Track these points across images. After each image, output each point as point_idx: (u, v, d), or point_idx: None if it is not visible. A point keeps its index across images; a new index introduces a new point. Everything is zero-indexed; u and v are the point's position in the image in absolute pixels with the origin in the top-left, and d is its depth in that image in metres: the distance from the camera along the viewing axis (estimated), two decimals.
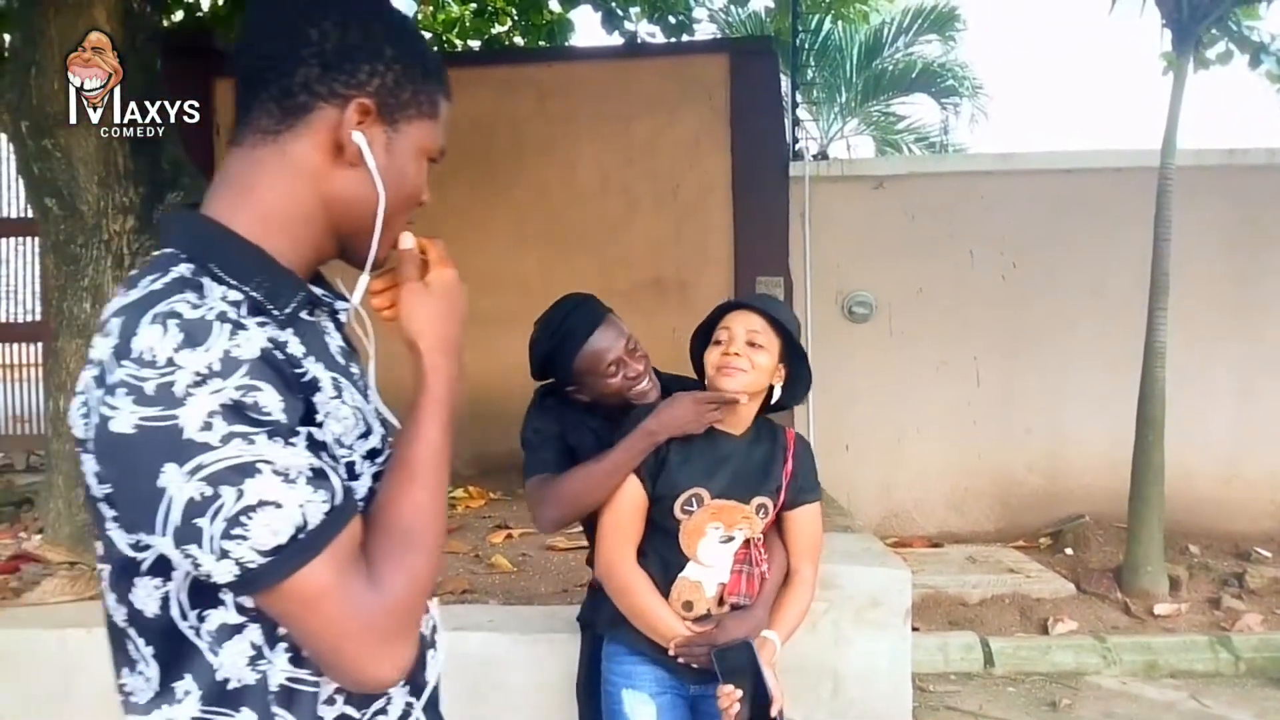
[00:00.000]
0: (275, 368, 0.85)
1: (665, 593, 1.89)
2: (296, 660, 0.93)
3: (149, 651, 0.92)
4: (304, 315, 0.97)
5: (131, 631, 0.93)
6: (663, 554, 1.90)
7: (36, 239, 5.71)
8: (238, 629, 0.91)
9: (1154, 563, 4.96)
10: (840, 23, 11.37)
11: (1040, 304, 6.04)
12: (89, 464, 0.88)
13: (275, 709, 0.93)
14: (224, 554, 0.81)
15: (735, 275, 6.21)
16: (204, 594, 0.90)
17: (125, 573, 0.91)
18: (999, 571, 5.23)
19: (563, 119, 6.37)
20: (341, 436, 0.95)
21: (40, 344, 6.35)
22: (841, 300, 6.19)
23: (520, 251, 6.30)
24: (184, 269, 0.89)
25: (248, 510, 0.80)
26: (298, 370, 0.91)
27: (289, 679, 0.93)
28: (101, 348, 0.85)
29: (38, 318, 6.98)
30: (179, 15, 7.56)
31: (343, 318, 1.07)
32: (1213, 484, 5.92)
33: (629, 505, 1.90)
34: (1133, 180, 5.59)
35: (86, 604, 3.05)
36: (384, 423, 1.04)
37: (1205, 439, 5.85)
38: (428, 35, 9.12)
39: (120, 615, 0.94)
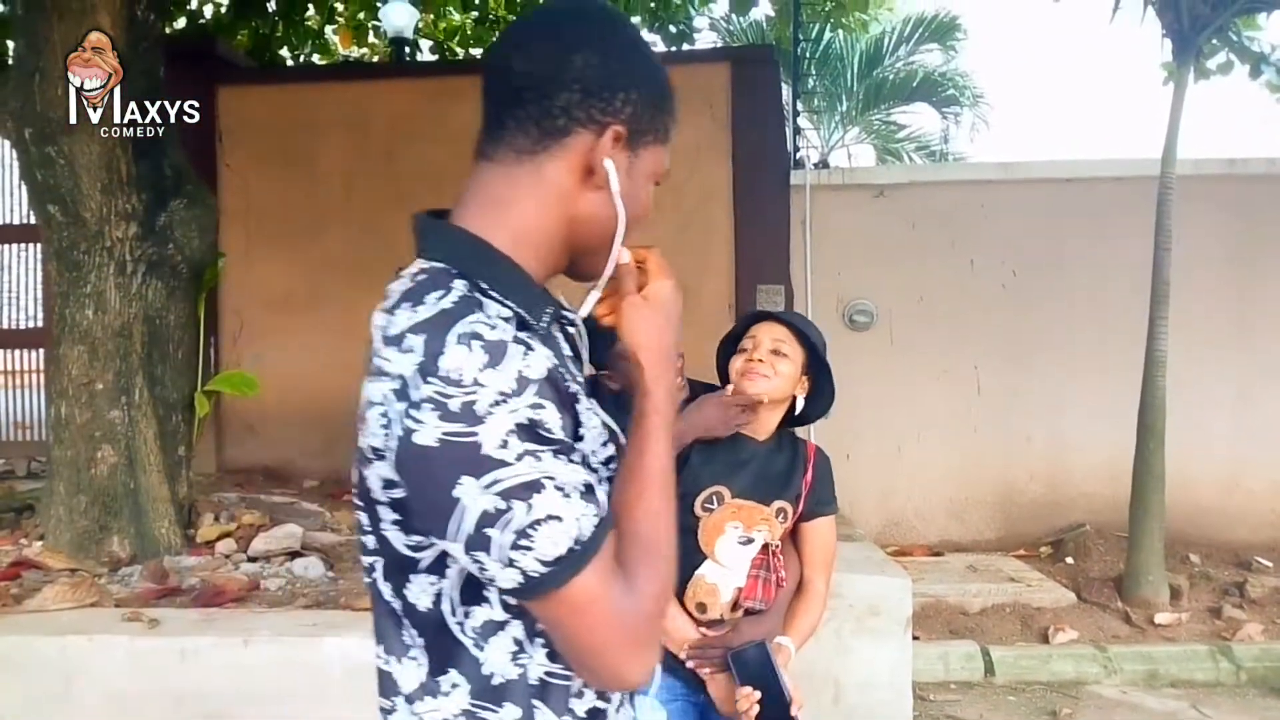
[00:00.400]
0: (556, 387, 0.91)
1: (680, 592, 1.90)
2: (553, 655, 0.98)
3: (420, 642, 0.98)
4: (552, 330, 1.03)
5: (406, 621, 0.99)
6: (682, 554, 1.89)
7: (39, 245, 5.72)
8: (501, 625, 0.97)
9: (1155, 572, 4.96)
10: (841, 32, 11.38)
11: (1041, 312, 6.04)
12: (379, 469, 0.93)
13: (534, 702, 0.98)
14: (511, 563, 0.87)
15: (736, 283, 6.24)
16: (471, 592, 0.96)
17: (401, 569, 0.97)
18: (1000, 580, 5.23)
19: None
20: (595, 448, 1.01)
21: (42, 350, 6.36)
22: (842, 308, 6.20)
23: None
24: (460, 285, 0.93)
25: (535, 524, 0.86)
26: (567, 385, 0.95)
27: (546, 673, 0.98)
28: (401, 362, 0.89)
29: (40, 324, 7.00)
30: (181, 22, 7.59)
31: (571, 330, 1.11)
32: (1213, 493, 5.91)
33: None
34: (1133, 189, 5.59)
35: (87, 611, 3.05)
36: (611, 431, 1.07)
37: (1206, 448, 5.85)
38: (428, 43, 9.16)
39: (396, 606, 0.99)
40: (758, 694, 1.79)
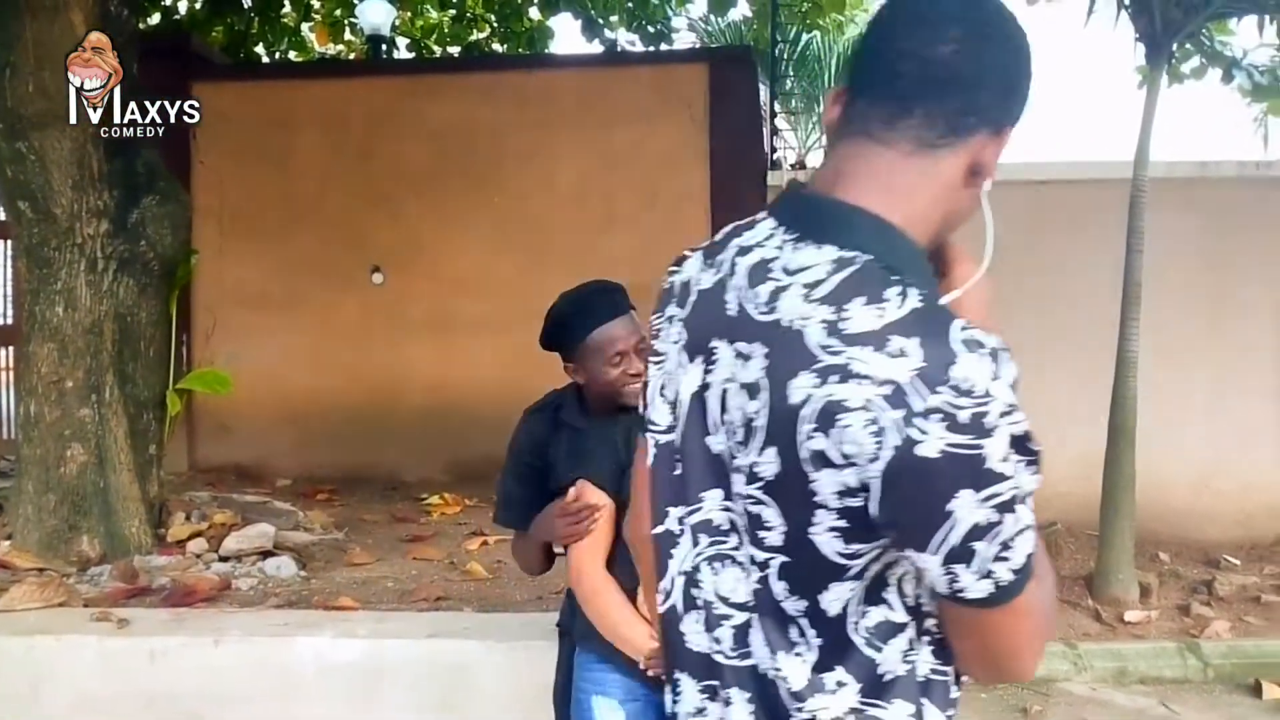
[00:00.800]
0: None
1: (633, 597, 1.86)
2: (938, 653, 0.98)
3: (817, 642, 0.97)
4: None
5: (804, 622, 0.97)
6: (630, 562, 1.84)
7: (9, 242, 5.66)
8: (900, 628, 0.96)
9: (1125, 570, 5.00)
10: (819, 33, 11.42)
11: (1013, 314, 5.97)
12: (841, 476, 0.88)
13: (921, 699, 0.98)
14: (987, 574, 0.86)
15: None
16: (872, 594, 0.95)
17: (822, 575, 0.94)
18: None
19: (542, 126, 6.39)
20: None
21: (11, 348, 6.30)
22: None
23: (499, 258, 6.32)
24: (908, 281, 0.91)
25: (1016, 535, 0.86)
26: None
27: (931, 670, 0.98)
28: (889, 367, 0.85)
29: (10, 321, 6.92)
30: (156, 18, 7.54)
31: None
32: (1184, 492, 5.95)
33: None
34: (1106, 192, 5.61)
35: (55, 611, 3.03)
36: None
37: (1177, 448, 5.88)
38: (405, 41, 9.13)
39: (795, 606, 0.97)
40: None
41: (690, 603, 1.05)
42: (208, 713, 2.68)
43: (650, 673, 1.82)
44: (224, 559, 3.74)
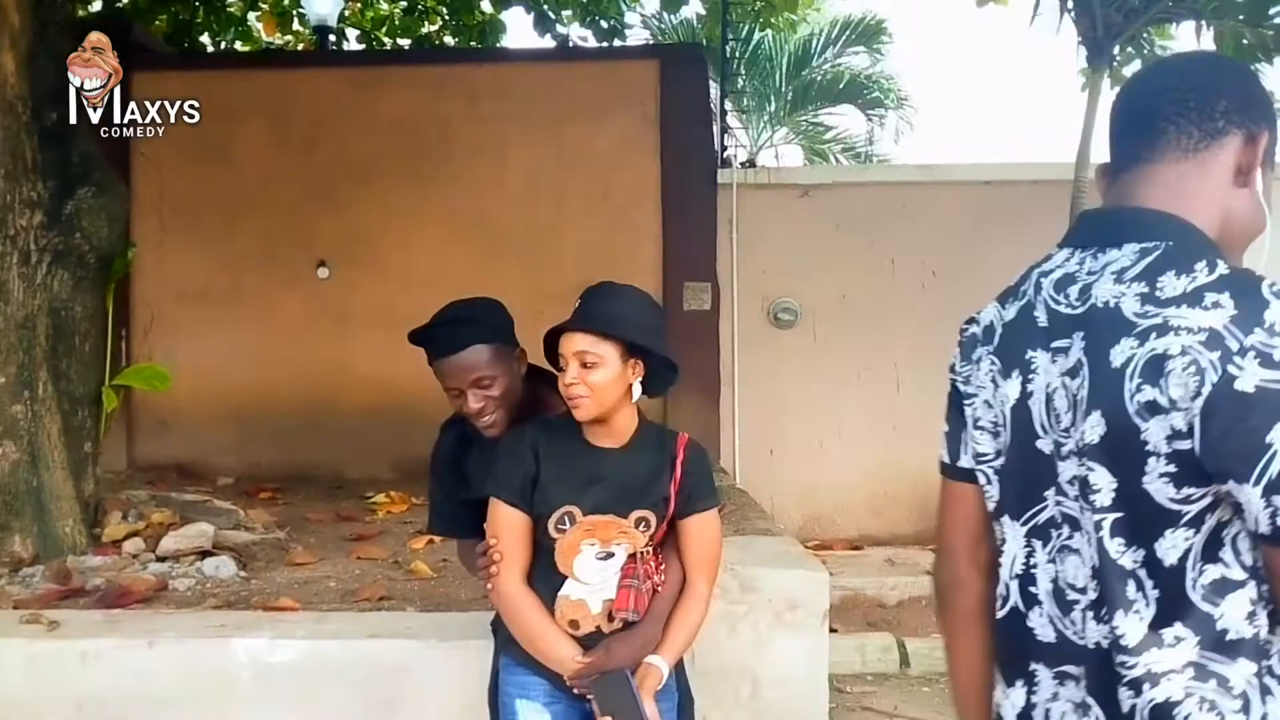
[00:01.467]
0: None
1: (552, 612, 1.87)
2: (1273, 620, 1.02)
3: (1154, 595, 1.03)
4: None
5: (1141, 573, 1.04)
6: (546, 573, 1.89)
7: None
8: (1238, 584, 1.01)
9: None
10: (770, 32, 11.47)
11: (959, 312, 5.85)
12: (1170, 421, 0.98)
13: (1265, 663, 1.02)
14: None
15: (664, 280, 6.25)
16: (1210, 550, 1.01)
17: (1156, 523, 1.02)
18: (917, 573, 5.32)
19: (494, 121, 6.36)
20: None
21: None
22: (768, 306, 6.27)
23: (448, 252, 6.28)
24: (1205, 255, 1.04)
25: None
26: None
27: (1268, 635, 1.02)
28: (1205, 317, 0.98)
29: None
30: (98, 4, 7.36)
31: None
32: None
33: (507, 530, 1.88)
34: (1049, 192, 5.70)
35: None
36: None
37: None
38: (355, 32, 9.01)
39: (1132, 558, 1.04)
40: None
41: (1030, 600, 1.15)
42: (139, 716, 2.62)
43: (576, 690, 1.85)
44: (161, 559, 3.66)
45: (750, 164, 7.23)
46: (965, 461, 1.25)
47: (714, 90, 7.26)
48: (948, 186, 6.30)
